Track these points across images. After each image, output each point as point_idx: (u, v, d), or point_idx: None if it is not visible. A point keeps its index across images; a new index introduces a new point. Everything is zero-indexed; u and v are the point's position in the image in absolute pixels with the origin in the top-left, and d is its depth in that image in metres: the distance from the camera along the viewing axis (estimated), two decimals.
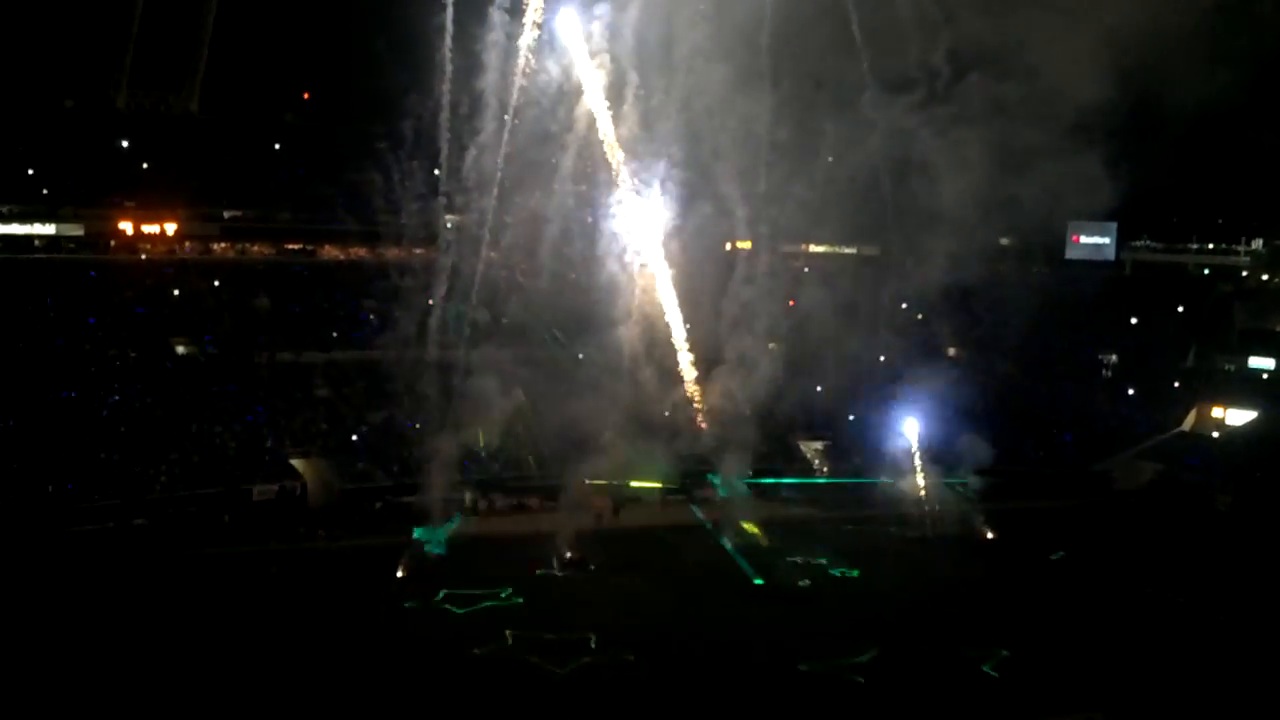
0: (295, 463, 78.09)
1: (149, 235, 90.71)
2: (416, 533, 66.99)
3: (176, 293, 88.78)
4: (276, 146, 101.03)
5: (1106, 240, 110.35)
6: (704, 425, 74.52)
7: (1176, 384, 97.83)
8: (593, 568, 64.45)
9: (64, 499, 68.39)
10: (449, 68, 70.21)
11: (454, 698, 48.24)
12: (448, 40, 69.65)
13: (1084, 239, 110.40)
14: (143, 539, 66.59)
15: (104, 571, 60.22)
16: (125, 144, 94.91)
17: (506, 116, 69.54)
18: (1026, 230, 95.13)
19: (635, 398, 73.08)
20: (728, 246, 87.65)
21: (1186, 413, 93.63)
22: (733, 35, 70.23)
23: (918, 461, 75.57)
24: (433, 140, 73.35)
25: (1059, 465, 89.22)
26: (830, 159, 77.43)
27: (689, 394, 74.94)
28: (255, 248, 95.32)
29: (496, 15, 67.63)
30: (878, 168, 78.23)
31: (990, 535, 73.63)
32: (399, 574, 61.82)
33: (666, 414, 78.76)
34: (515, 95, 68.95)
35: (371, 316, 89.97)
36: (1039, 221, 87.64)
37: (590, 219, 75.38)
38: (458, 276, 77.04)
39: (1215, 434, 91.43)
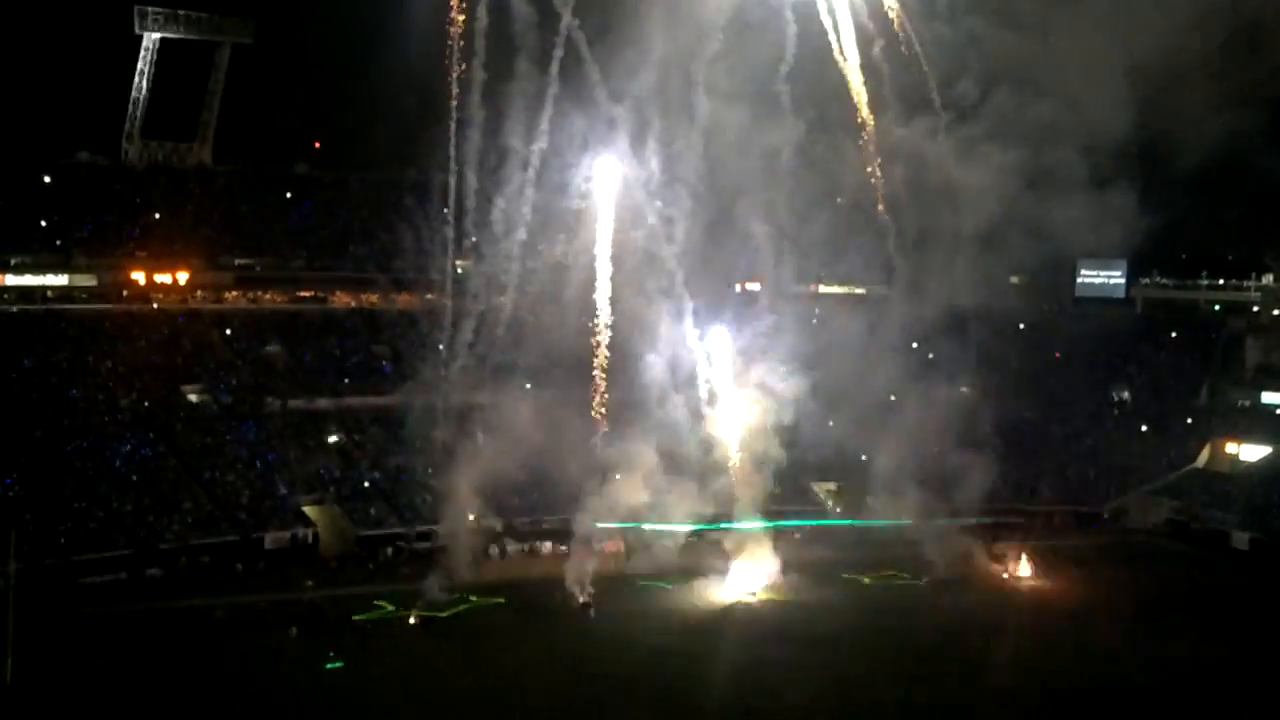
0: (308, 510, 78.19)
1: (161, 285, 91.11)
2: None
3: (189, 341, 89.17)
4: (289, 195, 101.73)
5: (1117, 276, 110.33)
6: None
7: (1189, 420, 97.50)
8: (592, 614, 64.41)
9: (76, 549, 68.46)
10: (463, 113, 70.55)
11: None
12: (461, 85, 70.07)
13: (1094, 275, 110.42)
14: (156, 589, 66.63)
15: (117, 623, 60.12)
16: (138, 195, 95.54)
17: (527, 163, 69.82)
18: (1036, 267, 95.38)
19: (651, 438, 73.17)
20: (737, 288, 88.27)
21: (1200, 449, 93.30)
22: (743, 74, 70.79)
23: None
24: (446, 187, 73.62)
25: (1072, 503, 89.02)
26: (839, 198, 78.09)
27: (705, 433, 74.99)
28: (268, 296, 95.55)
29: (521, 65, 68.04)
30: (892, 204, 78.30)
31: (1005, 575, 73.28)
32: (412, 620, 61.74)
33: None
34: (536, 141, 69.29)
35: (384, 363, 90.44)
36: (1049, 258, 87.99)
37: (607, 262, 75.34)
38: (471, 321, 77.01)
39: (1229, 470, 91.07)
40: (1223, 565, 77.71)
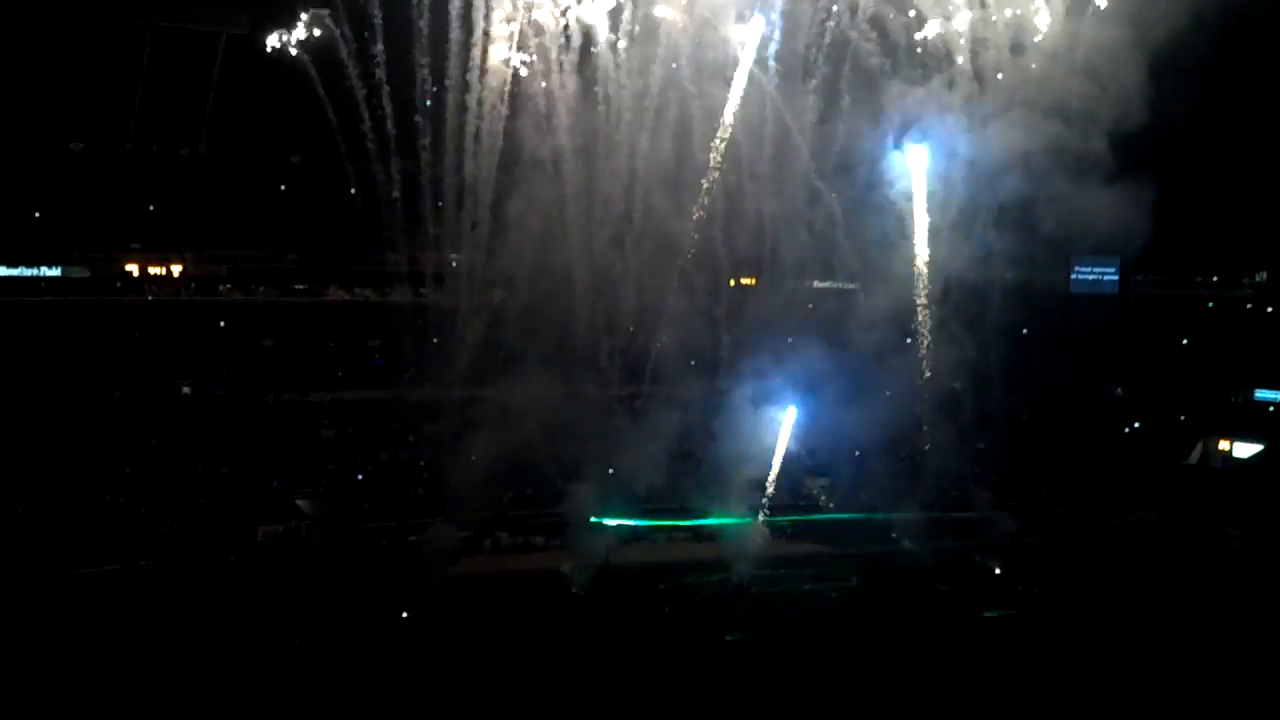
0: (301, 503, 78.15)
1: (155, 277, 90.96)
2: None
3: (182, 334, 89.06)
4: (283, 187, 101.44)
5: (1111, 273, 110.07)
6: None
7: (1182, 417, 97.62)
8: None
9: (69, 540, 68.40)
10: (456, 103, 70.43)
11: None
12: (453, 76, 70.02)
13: (1088, 272, 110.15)
14: (148, 580, 66.55)
15: (109, 613, 60.03)
16: (133, 186, 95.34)
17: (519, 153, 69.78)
18: (1030, 264, 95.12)
19: (640, 430, 73.14)
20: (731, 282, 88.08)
21: (1193, 446, 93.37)
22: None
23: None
24: (440, 179, 73.57)
25: (1064, 500, 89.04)
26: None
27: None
28: (261, 289, 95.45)
29: (513, 54, 67.89)
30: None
31: (996, 570, 73.34)
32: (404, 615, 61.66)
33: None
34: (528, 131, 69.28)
35: (378, 356, 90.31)
36: (1043, 255, 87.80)
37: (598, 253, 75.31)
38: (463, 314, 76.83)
39: (1222, 467, 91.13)
40: (1213, 563, 77.72)
